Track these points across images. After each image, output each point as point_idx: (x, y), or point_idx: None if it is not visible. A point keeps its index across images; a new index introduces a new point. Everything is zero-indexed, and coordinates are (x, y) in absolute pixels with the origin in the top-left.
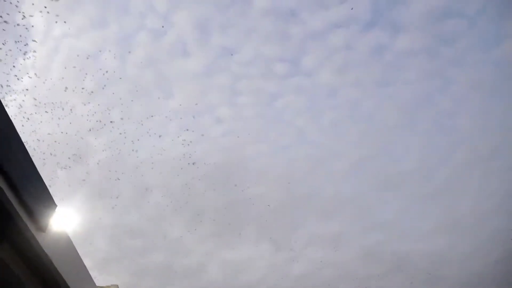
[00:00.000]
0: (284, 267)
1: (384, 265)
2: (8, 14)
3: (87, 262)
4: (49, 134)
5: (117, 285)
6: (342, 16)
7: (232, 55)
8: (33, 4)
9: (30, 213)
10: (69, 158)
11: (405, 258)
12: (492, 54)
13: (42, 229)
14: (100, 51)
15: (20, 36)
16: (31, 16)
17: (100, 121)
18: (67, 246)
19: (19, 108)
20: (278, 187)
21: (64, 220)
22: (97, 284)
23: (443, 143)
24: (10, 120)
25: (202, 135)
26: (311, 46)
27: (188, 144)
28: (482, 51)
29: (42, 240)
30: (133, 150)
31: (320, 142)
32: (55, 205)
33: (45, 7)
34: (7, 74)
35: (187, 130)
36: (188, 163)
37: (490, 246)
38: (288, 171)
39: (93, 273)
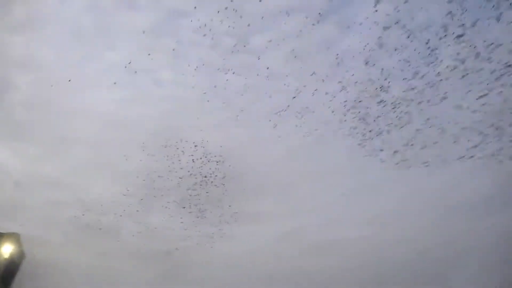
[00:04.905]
0: (206, 242)
1: (301, 248)
2: None
3: None
4: None
5: (19, 234)
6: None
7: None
8: None
9: None
10: None
11: (322, 244)
12: None
13: None
14: None
15: None
16: None
17: (30, 58)
18: None
19: None
20: (212, 159)
21: None
22: None
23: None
24: None
25: (139, 94)
26: (263, 26)
27: (123, 101)
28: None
29: None
30: (61, 96)
31: (259, 124)
32: None
33: None
34: None
35: (124, 86)
36: (119, 122)
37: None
38: (224, 148)
39: None
